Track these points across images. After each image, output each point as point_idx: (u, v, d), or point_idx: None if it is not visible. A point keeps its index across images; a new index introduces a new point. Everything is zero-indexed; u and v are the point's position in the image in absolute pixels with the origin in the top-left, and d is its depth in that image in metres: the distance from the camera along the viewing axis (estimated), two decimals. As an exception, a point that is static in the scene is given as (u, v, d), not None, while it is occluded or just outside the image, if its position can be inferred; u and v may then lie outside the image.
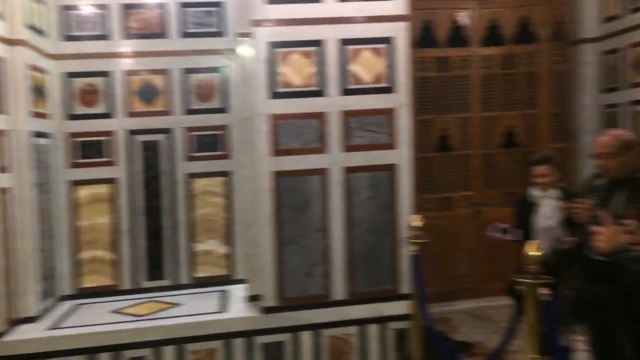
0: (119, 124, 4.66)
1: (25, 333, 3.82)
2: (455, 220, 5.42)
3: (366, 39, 3.90)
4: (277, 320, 3.92)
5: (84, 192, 4.66)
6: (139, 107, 4.71)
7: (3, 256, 3.76)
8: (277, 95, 3.88)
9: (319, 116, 3.89)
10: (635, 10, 4.79)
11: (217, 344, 3.92)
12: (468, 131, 5.42)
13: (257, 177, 3.91)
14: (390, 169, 3.99)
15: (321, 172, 3.93)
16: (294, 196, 3.91)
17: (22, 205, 3.91)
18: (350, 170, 3.95)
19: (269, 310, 3.92)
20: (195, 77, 4.76)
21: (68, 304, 4.48)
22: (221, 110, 4.79)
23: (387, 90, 3.94)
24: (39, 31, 4.25)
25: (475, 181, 5.46)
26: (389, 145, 3.98)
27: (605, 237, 1.88)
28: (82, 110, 4.63)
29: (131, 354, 3.83)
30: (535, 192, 3.67)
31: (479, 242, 5.29)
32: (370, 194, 3.99)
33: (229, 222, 4.82)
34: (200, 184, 4.80)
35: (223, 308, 4.20)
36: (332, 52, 3.88)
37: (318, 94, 3.89)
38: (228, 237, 4.83)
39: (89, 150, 4.65)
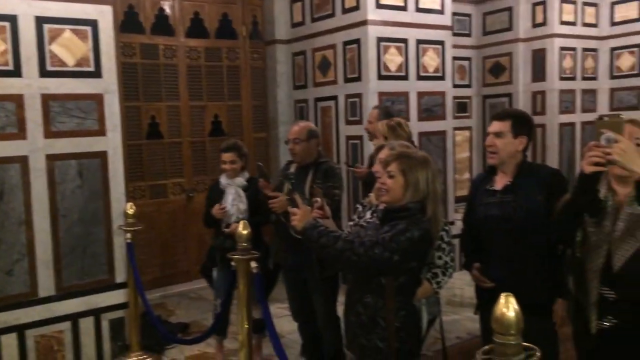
0: None
1: None
2: (169, 206, 5.55)
3: (67, 19, 3.66)
4: (-30, 327, 3.47)
5: None
6: None
7: None
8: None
9: (16, 99, 3.54)
10: (316, 19, 5.61)
11: None
12: (178, 119, 5.57)
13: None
14: (100, 156, 3.87)
15: (20, 160, 3.58)
16: (-11, 187, 3.49)
17: None
18: (54, 157, 3.69)
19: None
20: None
21: None
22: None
23: (93, 74, 3.78)
24: None
25: (186, 168, 5.66)
26: (98, 132, 3.84)
27: (299, 216, 2.13)
28: None
29: None
30: (223, 180, 3.78)
31: (191, 227, 5.53)
32: (79, 183, 3.81)
33: None
34: None
35: None
36: (27, 30, 3.55)
37: (13, 74, 3.52)
38: None
39: None
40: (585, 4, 6.84)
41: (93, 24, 3.77)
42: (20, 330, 3.66)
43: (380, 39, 5.07)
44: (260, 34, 6.09)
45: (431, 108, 5.49)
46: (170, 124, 5.53)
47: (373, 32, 5.03)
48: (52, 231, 3.73)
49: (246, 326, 2.91)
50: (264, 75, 6.14)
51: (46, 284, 3.73)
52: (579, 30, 6.79)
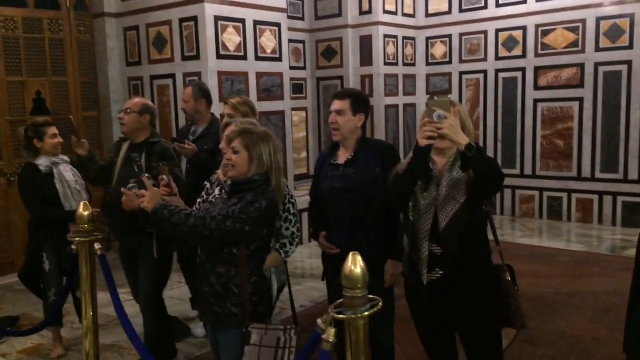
0: None
1: None
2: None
3: None
4: None
5: None
6: None
7: None
8: None
9: None
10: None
11: None
12: (-7, 95, 5.03)
13: None
14: None
15: None
16: None
17: None
18: None
19: None
20: None
21: None
22: None
23: None
24: None
25: (5, 150, 5.14)
26: None
27: (148, 198, 2.14)
28: None
29: None
30: (44, 161, 3.52)
31: (14, 215, 5.07)
32: None
33: None
34: None
35: None
36: None
37: None
38: None
39: None
40: (404, -5, 7.51)
41: None
42: None
43: (217, 18, 5.07)
44: (86, 6, 5.68)
45: (270, 88, 5.65)
46: (-16, 101, 4.97)
47: (210, 10, 5.01)
48: None
49: (91, 313, 2.82)
50: (93, 50, 5.77)
51: None
52: (399, 19, 7.44)
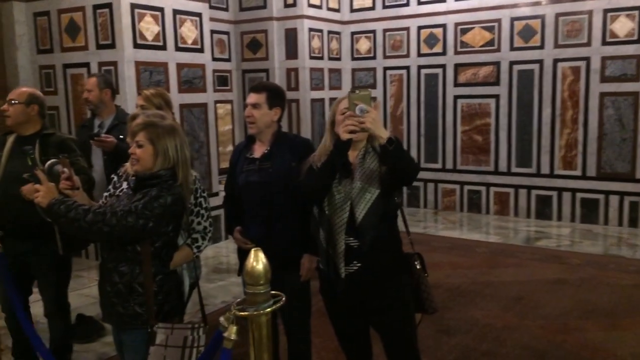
0: None
1: None
2: None
3: None
4: None
5: None
6: None
7: None
8: None
9: None
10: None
11: None
12: None
13: None
14: None
15: None
16: None
17: None
18: None
19: None
20: None
21: None
22: None
23: None
24: None
25: None
26: None
27: (43, 193, 2.02)
28: None
29: None
30: None
31: None
32: None
33: None
34: None
35: None
36: None
37: None
38: None
39: None
40: (329, -12, 7.53)
41: None
42: None
43: (134, 5, 4.88)
44: (-8, -12, 5.32)
45: (191, 80, 5.51)
46: None
47: (124, -3, 4.81)
48: None
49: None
50: (0, 36, 5.40)
51: None
52: (324, 13, 7.46)
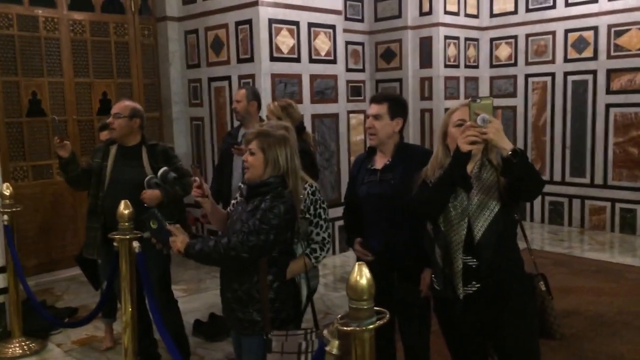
0: None
1: None
2: (54, 187, 5.29)
3: None
4: None
5: None
6: None
7: None
8: None
9: None
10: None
11: None
12: (62, 96, 5.31)
13: None
14: (-31, 133, 3.63)
15: None
16: None
17: None
18: None
19: None
20: None
21: None
22: None
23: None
24: None
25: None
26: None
27: (179, 242, 2.19)
28: None
29: None
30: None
31: (80, 209, 5.31)
32: (-55, 163, 3.55)
33: None
34: None
35: None
36: None
37: None
38: None
39: None
40: (467, -5, 7.28)
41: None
42: None
43: (271, 20, 5.11)
44: (150, 10, 5.90)
45: (323, 91, 5.63)
46: (54, 101, 5.25)
47: (264, 13, 5.06)
48: None
49: (130, 309, 2.90)
50: (155, 52, 5.98)
51: None
52: (461, 20, 7.22)
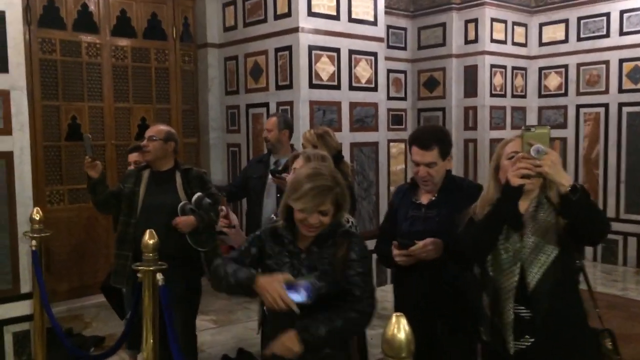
0: None
1: None
2: (90, 212, 5.23)
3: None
4: None
5: None
6: None
7: None
8: None
9: None
10: (248, 24, 5.50)
11: None
12: (101, 121, 5.33)
13: None
14: (5, 157, 3.60)
15: None
16: None
17: None
18: (-46, 157, 3.42)
19: None
20: None
21: None
22: None
23: (-2, 69, 3.54)
24: None
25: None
26: (4, 131, 3.58)
27: (290, 344, 1.85)
28: None
29: None
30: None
31: (111, 234, 5.27)
32: (-19, 185, 3.53)
33: None
34: None
35: None
36: None
37: None
38: None
39: None
40: (515, 23, 7.03)
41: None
42: None
43: (311, 47, 5.02)
44: (191, 36, 5.92)
45: (363, 119, 5.48)
46: (93, 126, 5.27)
47: (304, 40, 4.97)
48: (-50, 236, 3.43)
49: (151, 341, 2.76)
50: (195, 78, 5.97)
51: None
52: (509, 48, 6.98)
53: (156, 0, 5.56)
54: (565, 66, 7.00)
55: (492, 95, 6.81)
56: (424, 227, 2.41)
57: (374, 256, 2.69)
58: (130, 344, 3.61)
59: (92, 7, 5.18)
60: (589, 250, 6.79)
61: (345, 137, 5.24)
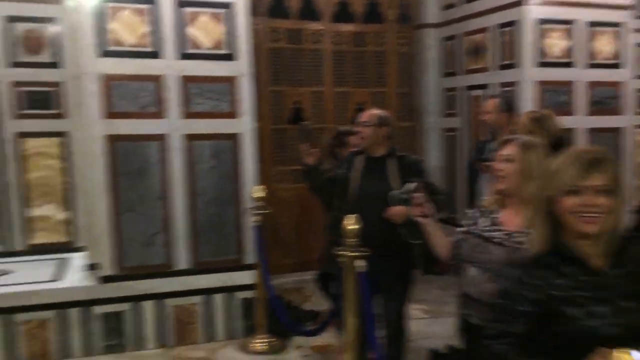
0: None
1: None
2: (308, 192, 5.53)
3: (204, 2, 3.75)
4: (115, 289, 3.74)
5: None
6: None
7: None
8: (107, 54, 3.62)
9: (156, 79, 3.70)
10: (470, 0, 5.15)
11: (49, 314, 3.67)
12: (321, 105, 5.53)
13: (89, 141, 3.67)
14: (232, 138, 3.92)
15: (160, 138, 3.76)
16: (131, 162, 3.71)
17: None
18: (191, 137, 3.82)
19: (106, 279, 3.73)
20: (21, 27, 4.32)
21: None
22: (52, 65, 4.39)
23: (228, 57, 3.82)
24: None
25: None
26: (231, 114, 3.89)
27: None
28: None
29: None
30: None
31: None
32: (212, 163, 3.90)
33: (67, 186, 4.49)
34: (32, 144, 4.42)
35: (58, 277, 3.93)
36: (167, 13, 3.68)
37: (153, 55, 3.68)
38: (67, 202, 4.49)
39: None
40: None
41: (228, 6, 3.81)
42: (158, 298, 3.86)
43: (540, 21, 4.48)
44: (409, 18, 5.77)
45: (602, 100, 4.75)
46: (314, 110, 5.50)
47: (532, 13, 4.46)
48: (188, 208, 3.86)
49: (352, 324, 2.75)
50: (411, 61, 5.83)
51: (182, 258, 3.88)
52: None
53: (375, -15, 5.56)
54: None
55: None
56: None
57: None
58: (339, 325, 3.67)
59: (314, -4, 5.39)
60: None
61: (579, 122, 4.61)
